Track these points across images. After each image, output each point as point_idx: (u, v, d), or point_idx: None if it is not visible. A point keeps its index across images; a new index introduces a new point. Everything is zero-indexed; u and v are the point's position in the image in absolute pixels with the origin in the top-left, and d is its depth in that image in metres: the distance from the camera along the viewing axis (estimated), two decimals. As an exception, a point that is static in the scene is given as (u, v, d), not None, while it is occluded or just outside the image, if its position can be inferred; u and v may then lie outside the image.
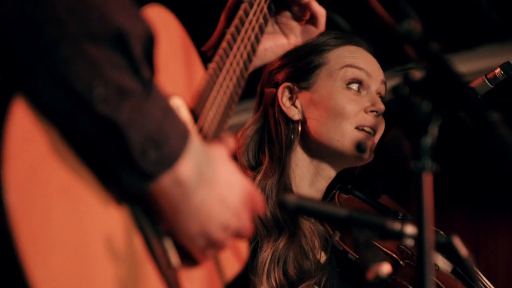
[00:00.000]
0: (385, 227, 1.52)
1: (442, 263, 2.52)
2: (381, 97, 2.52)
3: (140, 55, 1.34)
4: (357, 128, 2.49)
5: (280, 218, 2.39)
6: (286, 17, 2.04)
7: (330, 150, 2.49)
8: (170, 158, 1.36)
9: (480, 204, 4.65)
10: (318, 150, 2.52)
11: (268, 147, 2.52)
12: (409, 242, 1.51)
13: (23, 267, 1.14)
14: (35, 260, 1.15)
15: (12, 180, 1.15)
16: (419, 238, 1.34)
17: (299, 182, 2.51)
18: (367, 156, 2.50)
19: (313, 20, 2.03)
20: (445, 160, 1.39)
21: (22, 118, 1.22)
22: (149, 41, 1.37)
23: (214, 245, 1.49)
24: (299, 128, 2.51)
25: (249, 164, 2.52)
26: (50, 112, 1.26)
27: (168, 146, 1.35)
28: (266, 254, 2.35)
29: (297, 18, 2.05)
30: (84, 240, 1.26)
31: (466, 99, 1.33)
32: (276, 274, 2.34)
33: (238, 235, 1.52)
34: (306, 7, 2.01)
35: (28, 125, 1.23)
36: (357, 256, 2.39)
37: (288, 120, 2.54)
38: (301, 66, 2.56)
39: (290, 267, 2.34)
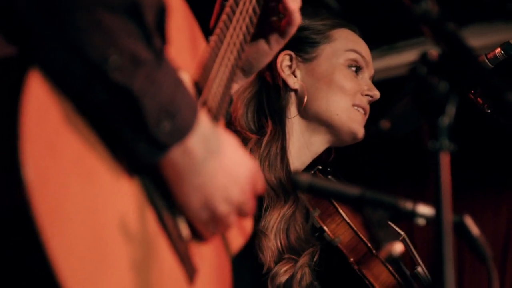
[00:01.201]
0: (397, 206, 1.52)
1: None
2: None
3: (153, 25, 1.32)
4: (354, 105, 2.55)
5: (285, 183, 2.42)
6: (263, 24, 2.00)
7: (328, 122, 2.54)
8: (183, 129, 1.35)
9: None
10: (315, 121, 2.55)
11: (269, 111, 2.54)
12: (421, 222, 1.52)
13: (42, 238, 1.11)
14: (52, 231, 1.12)
15: (29, 153, 1.12)
16: (437, 219, 1.34)
17: (291, 150, 2.53)
18: (362, 135, 2.54)
19: (287, 18, 1.99)
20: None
21: (37, 90, 1.18)
22: (161, 12, 1.36)
23: (217, 220, 1.48)
24: (300, 97, 2.54)
25: (249, 126, 2.53)
26: (64, 82, 1.24)
27: (181, 117, 1.34)
28: (275, 216, 2.39)
29: (273, 21, 2.02)
30: (98, 212, 1.24)
31: (483, 79, 1.33)
32: (281, 236, 2.38)
33: (241, 211, 1.52)
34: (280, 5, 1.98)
35: (43, 97, 1.19)
36: (333, 237, 2.42)
37: (286, 87, 2.57)
38: (304, 38, 2.60)
39: (292, 234, 2.37)
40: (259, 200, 1.69)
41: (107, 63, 1.25)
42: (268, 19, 2.00)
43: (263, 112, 2.55)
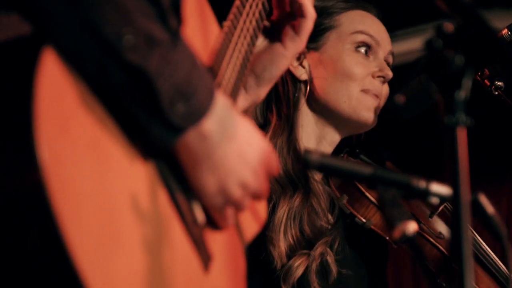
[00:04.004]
0: (410, 185, 1.50)
1: (446, 231, 2.51)
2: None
3: (168, 5, 1.31)
4: (363, 91, 2.48)
5: (294, 175, 2.38)
6: (273, 23, 1.95)
7: (336, 111, 2.48)
8: (198, 112, 1.33)
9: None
10: (324, 111, 2.50)
11: (276, 105, 2.50)
12: (434, 200, 1.49)
13: (56, 218, 1.12)
14: (66, 211, 1.13)
15: (44, 134, 1.12)
16: (454, 196, 1.31)
17: (306, 143, 2.50)
18: (373, 121, 2.48)
19: (299, 11, 1.90)
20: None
21: (51, 69, 1.18)
22: None
23: (232, 203, 1.47)
24: (307, 88, 2.49)
25: (257, 121, 2.50)
26: (79, 62, 1.23)
27: (196, 100, 1.32)
28: (282, 211, 2.34)
29: (283, 18, 1.94)
30: (111, 193, 1.24)
31: (500, 52, 1.30)
32: (292, 230, 2.33)
33: (255, 195, 1.50)
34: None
35: (57, 77, 1.19)
36: (364, 220, 2.38)
37: (295, 79, 2.52)
38: None
39: (305, 225, 2.33)
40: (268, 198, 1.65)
41: (121, 43, 1.24)
42: (280, 17, 1.94)
43: (270, 107, 2.50)
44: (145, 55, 1.25)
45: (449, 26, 1.33)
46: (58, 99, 1.18)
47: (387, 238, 2.41)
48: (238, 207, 1.48)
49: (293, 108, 2.48)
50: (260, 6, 1.79)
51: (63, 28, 1.22)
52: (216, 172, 1.40)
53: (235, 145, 1.42)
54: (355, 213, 2.37)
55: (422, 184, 1.49)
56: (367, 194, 2.37)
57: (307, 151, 1.50)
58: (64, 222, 1.11)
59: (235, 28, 1.68)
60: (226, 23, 1.67)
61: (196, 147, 1.36)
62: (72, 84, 1.21)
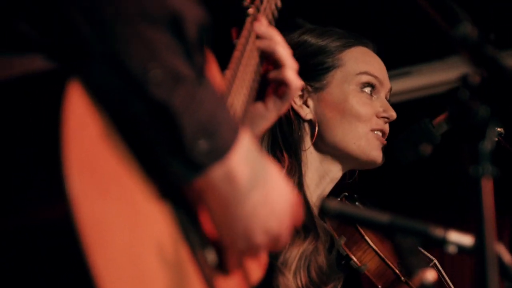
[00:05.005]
0: (428, 233, 1.50)
1: None
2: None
3: (194, 41, 1.30)
4: (371, 131, 2.49)
5: (305, 220, 2.35)
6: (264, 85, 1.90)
7: (345, 152, 2.48)
8: (222, 149, 1.32)
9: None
10: (332, 151, 2.50)
11: (283, 144, 2.48)
12: (452, 250, 1.49)
13: (85, 252, 1.11)
14: (96, 247, 1.12)
15: (72, 168, 1.12)
16: (479, 248, 1.31)
17: (309, 181, 2.49)
18: (382, 159, 2.49)
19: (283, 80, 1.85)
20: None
21: (77, 103, 1.18)
22: (204, 29, 1.34)
23: (252, 249, 1.45)
24: (313, 128, 2.49)
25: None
26: (103, 95, 1.23)
27: (220, 137, 1.31)
28: (296, 251, 2.32)
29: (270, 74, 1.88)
30: (135, 233, 1.23)
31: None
32: (301, 273, 2.31)
33: (274, 243, 1.48)
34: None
35: (82, 111, 1.19)
36: (359, 264, 2.37)
37: (300, 118, 2.52)
38: (313, 65, 2.54)
39: (312, 270, 2.31)
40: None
41: (147, 77, 1.24)
42: (266, 71, 1.89)
43: (277, 146, 2.49)
44: (170, 91, 1.25)
45: (474, 78, 1.35)
46: (84, 133, 1.18)
47: (379, 286, 2.40)
48: (255, 252, 1.47)
49: (300, 147, 2.48)
50: (257, 58, 1.80)
51: (89, 59, 1.22)
52: (245, 218, 1.38)
53: (266, 191, 1.40)
54: (351, 255, 2.37)
55: (439, 232, 1.49)
56: (366, 237, 2.37)
57: (325, 200, 1.50)
58: (93, 257, 1.11)
59: (236, 75, 1.69)
60: (227, 71, 1.67)
61: (224, 187, 1.33)
62: (95, 118, 1.21)
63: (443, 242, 1.49)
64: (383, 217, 1.51)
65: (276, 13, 1.86)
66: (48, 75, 1.22)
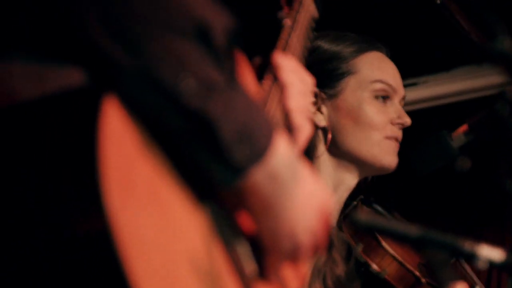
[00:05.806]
0: (458, 247, 1.49)
1: None
2: None
3: (223, 47, 1.31)
4: (386, 137, 2.49)
5: None
6: None
7: (359, 158, 2.48)
8: (260, 151, 1.33)
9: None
10: (346, 158, 2.50)
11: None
12: (482, 264, 1.48)
13: (124, 266, 1.11)
14: (134, 260, 1.13)
15: (110, 183, 1.13)
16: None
17: None
18: (396, 164, 2.49)
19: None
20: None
21: (112, 119, 1.19)
22: (233, 34, 1.35)
23: (297, 251, 1.44)
24: (326, 135, 2.48)
25: None
26: (140, 110, 1.24)
27: (257, 139, 1.32)
28: (308, 265, 2.30)
29: None
30: (171, 244, 1.24)
31: None
32: (316, 285, 2.31)
33: (316, 245, 1.48)
34: None
35: (118, 126, 1.20)
36: (379, 270, 2.37)
37: (313, 125, 2.50)
38: (327, 71, 2.54)
39: (329, 280, 2.30)
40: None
41: (180, 89, 1.25)
42: None
43: None
44: (203, 99, 1.26)
45: (512, 92, 1.34)
46: (120, 147, 1.18)
47: None
48: (299, 256, 1.46)
49: (313, 154, 2.48)
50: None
51: (123, 78, 1.23)
52: (289, 215, 1.39)
53: (304, 189, 1.41)
54: (370, 262, 2.37)
55: (469, 246, 1.48)
56: (384, 243, 2.37)
57: (355, 212, 1.49)
58: (132, 270, 1.11)
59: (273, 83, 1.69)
60: (264, 81, 1.67)
61: (266, 187, 1.35)
62: (131, 131, 1.22)
63: (473, 256, 1.48)
64: (412, 230, 1.50)
65: (313, 24, 1.86)
66: (84, 90, 1.22)
